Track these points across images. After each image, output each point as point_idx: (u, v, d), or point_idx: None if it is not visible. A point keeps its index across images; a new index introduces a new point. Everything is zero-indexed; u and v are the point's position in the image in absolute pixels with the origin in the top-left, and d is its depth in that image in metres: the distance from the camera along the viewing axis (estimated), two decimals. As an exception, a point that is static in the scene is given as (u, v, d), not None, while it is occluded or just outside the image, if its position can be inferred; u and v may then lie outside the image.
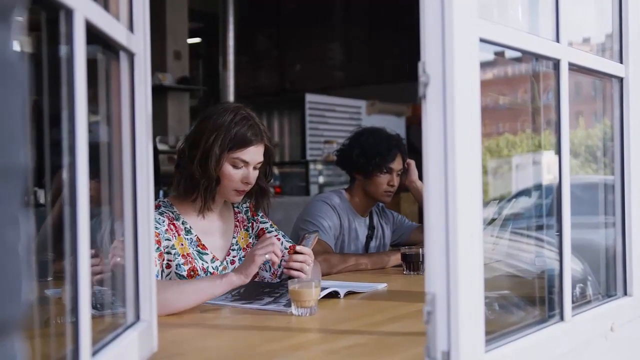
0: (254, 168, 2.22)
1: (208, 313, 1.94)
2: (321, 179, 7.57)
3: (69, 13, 0.99)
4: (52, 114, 1.03)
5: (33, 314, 1.08)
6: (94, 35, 1.11)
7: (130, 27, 1.34)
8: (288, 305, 1.90)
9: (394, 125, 6.87)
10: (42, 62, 1.02)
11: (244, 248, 2.35)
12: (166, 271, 2.12)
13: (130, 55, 1.34)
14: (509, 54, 1.54)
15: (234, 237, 2.34)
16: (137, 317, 1.36)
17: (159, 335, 1.44)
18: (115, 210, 1.41)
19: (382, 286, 2.34)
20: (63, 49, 1.01)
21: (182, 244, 2.17)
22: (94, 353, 1.08)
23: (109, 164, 1.36)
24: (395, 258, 2.81)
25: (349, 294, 2.17)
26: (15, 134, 0.57)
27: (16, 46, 0.59)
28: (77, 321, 1.00)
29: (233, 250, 2.32)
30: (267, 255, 1.97)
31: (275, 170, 7.78)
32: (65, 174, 1.01)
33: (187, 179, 2.19)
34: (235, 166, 2.18)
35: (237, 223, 2.37)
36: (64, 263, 1.05)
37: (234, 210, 2.39)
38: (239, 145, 2.16)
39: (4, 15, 0.56)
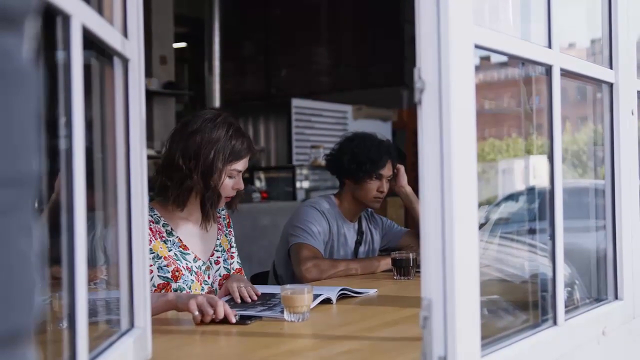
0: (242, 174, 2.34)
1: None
2: (308, 184, 7.56)
3: (66, 19, 0.98)
4: (47, 120, 1.02)
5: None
6: (89, 41, 1.11)
7: (125, 33, 1.33)
8: (278, 312, 1.89)
9: (380, 130, 6.88)
10: (38, 68, 1.01)
11: (227, 250, 2.44)
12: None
13: (125, 61, 1.33)
14: (495, 58, 1.55)
15: (218, 239, 2.42)
16: (132, 324, 1.35)
17: (152, 342, 1.43)
18: (107, 215, 1.40)
19: (372, 291, 2.35)
20: (60, 54, 1.00)
21: (161, 248, 2.22)
22: (90, 361, 1.08)
23: (102, 170, 1.35)
24: (386, 263, 2.82)
25: (342, 298, 2.17)
26: (28, 141, 0.57)
27: (28, 53, 0.59)
28: (74, 328, 0.99)
29: (217, 251, 2.40)
30: (196, 313, 1.81)
31: (262, 175, 7.77)
32: (62, 180, 1.00)
33: (185, 192, 2.24)
34: (230, 177, 2.28)
35: (220, 226, 2.45)
36: (54, 269, 1.04)
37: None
38: (237, 157, 2.27)
39: (16, 23, 0.56)
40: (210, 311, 1.81)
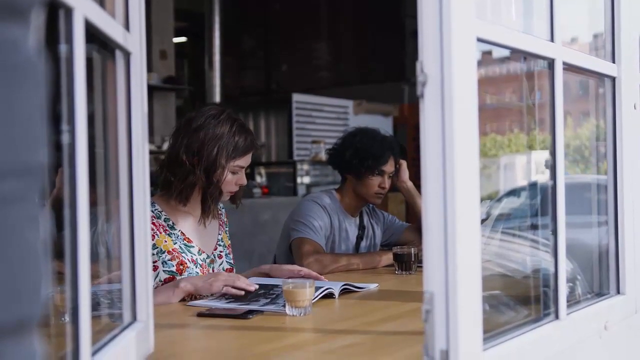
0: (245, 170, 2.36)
1: (204, 314, 1.93)
2: (308, 179, 7.56)
3: (69, 11, 0.98)
4: (49, 114, 1.02)
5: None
6: (91, 34, 1.10)
7: (127, 26, 1.33)
8: (281, 305, 1.90)
9: (381, 125, 6.87)
10: (44, 59, 1.01)
11: (227, 245, 2.47)
12: (152, 274, 2.16)
13: (127, 55, 1.33)
14: (497, 53, 1.54)
15: (219, 234, 2.44)
16: (134, 318, 1.35)
17: (155, 335, 1.43)
18: (109, 209, 1.40)
19: (374, 286, 2.35)
20: (62, 48, 1.00)
21: (165, 241, 2.24)
22: (93, 353, 1.08)
23: (104, 165, 1.35)
24: (387, 258, 2.82)
25: (344, 292, 2.18)
26: (35, 132, 0.57)
27: (35, 44, 0.59)
28: (77, 322, 0.99)
29: (219, 245, 2.42)
30: (224, 289, 2.07)
31: (262, 171, 7.77)
32: (65, 174, 1.00)
33: (188, 187, 2.26)
34: (233, 172, 2.30)
35: (220, 222, 2.48)
36: (58, 263, 1.04)
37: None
38: (241, 154, 2.29)
39: (22, 14, 0.56)
40: (239, 283, 2.07)
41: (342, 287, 2.18)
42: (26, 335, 0.55)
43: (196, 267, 2.27)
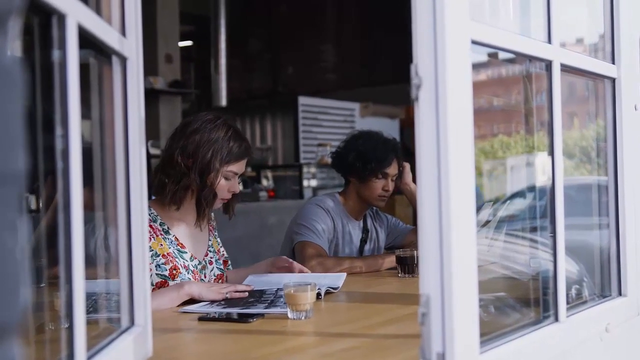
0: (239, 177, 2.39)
1: (205, 319, 1.93)
2: (315, 183, 7.55)
3: (62, 18, 0.99)
4: (44, 119, 1.03)
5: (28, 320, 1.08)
6: (86, 40, 1.11)
7: (123, 32, 1.34)
8: (285, 306, 1.90)
9: (388, 127, 6.88)
10: (34, 67, 1.02)
11: (217, 251, 2.48)
12: None
13: (123, 60, 1.34)
14: (502, 55, 1.54)
15: (210, 240, 2.46)
16: (132, 322, 1.36)
17: (153, 340, 1.43)
18: (108, 216, 1.40)
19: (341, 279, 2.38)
20: (55, 54, 1.01)
21: (161, 245, 2.26)
22: (89, 358, 1.08)
23: (101, 170, 1.36)
24: (390, 260, 2.82)
25: (328, 293, 2.22)
26: (14, 139, 0.57)
27: (13, 51, 0.59)
28: (72, 326, 1.00)
29: (210, 251, 2.44)
30: (227, 295, 2.14)
31: (269, 174, 7.77)
32: (58, 180, 1.00)
33: (182, 189, 2.27)
34: (226, 178, 2.31)
35: (211, 228, 2.50)
36: (57, 269, 1.05)
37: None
38: (235, 159, 2.31)
39: (0, 21, 0.57)
40: (240, 288, 2.18)
41: (326, 289, 2.21)
42: (5, 340, 0.56)
43: (188, 273, 2.28)
